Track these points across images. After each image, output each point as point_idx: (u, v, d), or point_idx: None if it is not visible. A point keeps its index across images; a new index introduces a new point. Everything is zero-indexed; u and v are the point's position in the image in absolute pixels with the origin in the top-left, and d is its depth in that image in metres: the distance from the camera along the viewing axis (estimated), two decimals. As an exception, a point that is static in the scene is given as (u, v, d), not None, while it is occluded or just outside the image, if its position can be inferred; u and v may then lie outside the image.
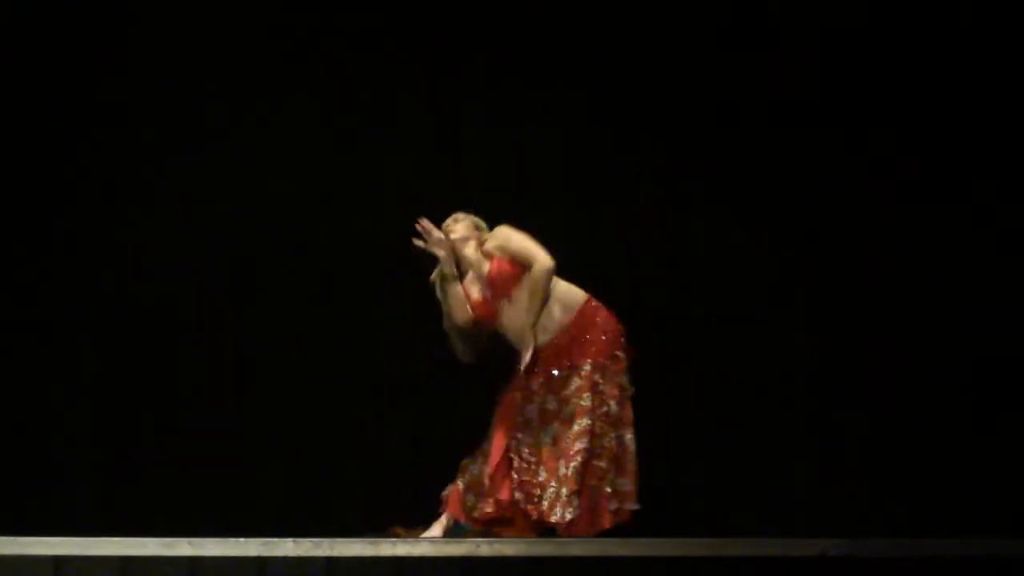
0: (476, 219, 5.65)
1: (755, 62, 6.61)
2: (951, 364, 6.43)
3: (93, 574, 4.39)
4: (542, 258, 5.45)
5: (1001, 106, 6.53)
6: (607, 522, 5.28)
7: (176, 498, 6.22)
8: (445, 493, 5.49)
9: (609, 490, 5.30)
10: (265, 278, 6.55)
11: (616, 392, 5.41)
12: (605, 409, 5.37)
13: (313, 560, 4.45)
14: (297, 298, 6.54)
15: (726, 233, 6.61)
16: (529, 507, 5.32)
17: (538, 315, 5.45)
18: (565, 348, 5.45)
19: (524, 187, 6.55)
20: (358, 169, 6.60)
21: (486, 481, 5.39)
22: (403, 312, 6.25)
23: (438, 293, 5.61)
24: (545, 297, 5.45)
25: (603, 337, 5.46)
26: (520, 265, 5.48)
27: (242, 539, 4.50)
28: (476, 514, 5.39)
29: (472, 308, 5.54)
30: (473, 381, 5.86)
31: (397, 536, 5.25)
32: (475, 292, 5.57)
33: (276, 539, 4.49)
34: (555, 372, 5.44)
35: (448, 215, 5.65)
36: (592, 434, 5.32)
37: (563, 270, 5.58)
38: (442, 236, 5.54)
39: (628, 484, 5.34)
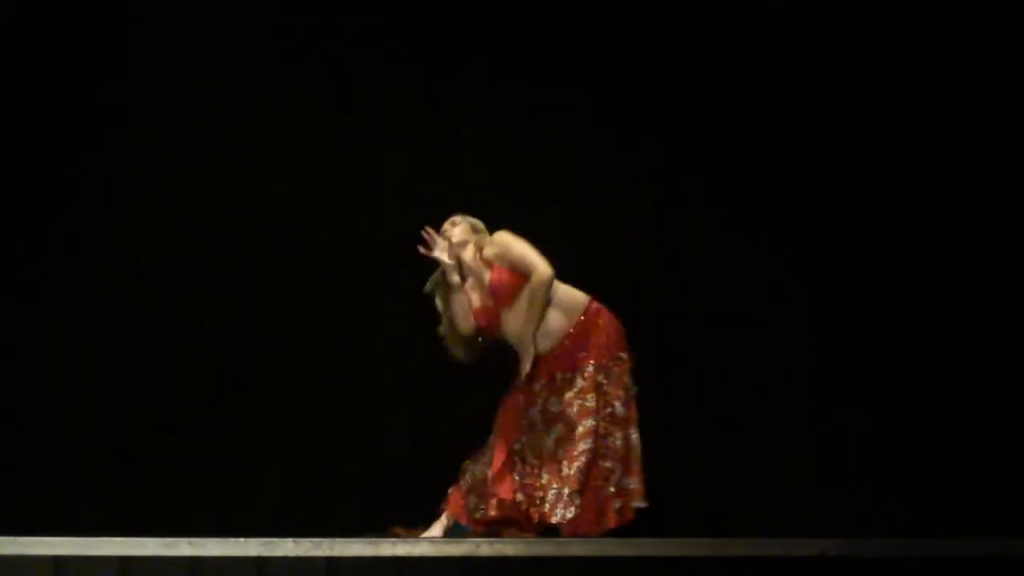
0: (474, 221, 5.65)
1: (755, 62, 6.61)
2: (951, 364, 6.43)
3: (93, 574, 4.39)
4: (541, 268, 5.44)
5: (1001, 106, 6.52)
6: (612, 522, 5.29)
7: (176, 498, 6.22)
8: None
9: (613, 489, 5.30)
10: (265, 278, 6.55)
11: (621, 393, 5.41)
12: (610, 410, 5.37)
13: (313, 560, 4.46)
14: (297, 298, 6.54)
15: (726, 233, 6.60)
16: (531, 509, 5.32)
17: (538, 324, 5.45)
18: (568, 351, 5.45)
19: (524, 187, 6.55)
20: (358, 169, 6.60)
21: (489, 484, 5.40)
22: (403, 312, 6.24)
23: (437, 301, 5.61)
24: (545, 306, 5.45)
25: (606, 339, 5.46)
26: (521, 274, 5.47)
27: (242, 539, 4.50)
28: (478, 515, 5.40)
29: (474, 316, 5.54)
30: (473, 381, 5.87)
31: (397, 536, 5.25)
32: (475, 297, 5.56)
33: (276, 539, 4.50)
34: (558, 375, 5.44)
35: (448, 215, 5.65)
36: (596, 435, 5.32)
37: (563, 270, 5.58)
38: (447, 243, 5.54)
39: (635, 483, 5.35)
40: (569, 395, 5.39)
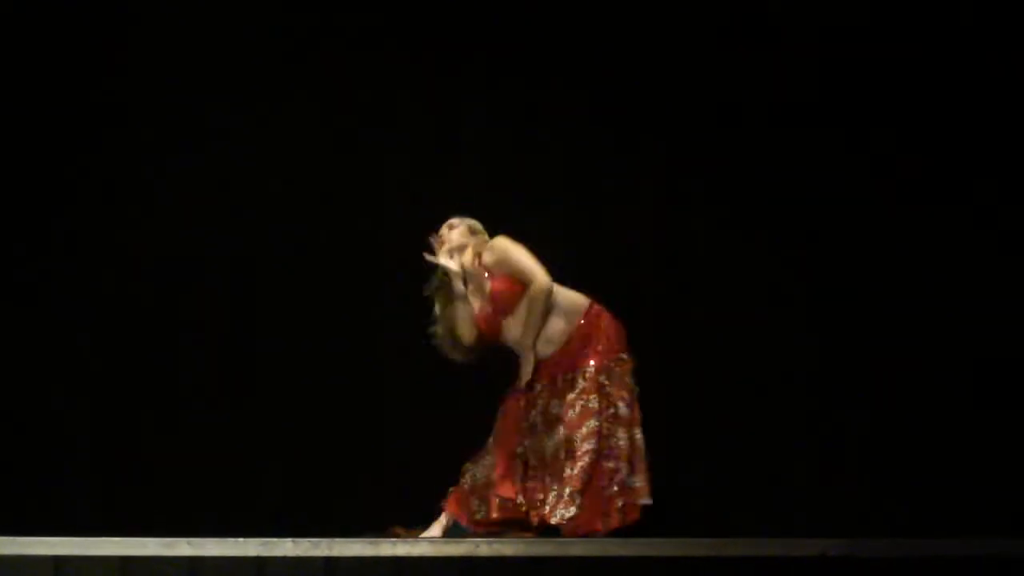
0: (471, 223, 5.63)
1: (755, 62, 6.61)
2: (951, 364, 6.42)
3: (93, 574, 4.38)
4: (539, 278, 5.44)
5: (1001, 106, 6.52)
6: (616, 521, 5.28)
7: (176, 498, 6.22)
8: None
9: (616, 489, 5.30)
10: (265, 278, 6.55)
11: (624, 394, 5.41)
12: (613, 411, 5.37)
13: (312, 560, 4.45)
14: (297, 298, 6.54)
15: (726, 233, 6.60)
16: (531, 512, 5.33)
17: (537, 333, 5.45)
18: (570, 354, 5.45)
19: (524, 187, 6.55)
20: (358, 169, 6.60)
21: (491, 488, 5.40)
22: (403, 312, 6.23)
23: (436, 305, 5.60)
24: (543, 315, 5.44)
25: (607, 340, 5.46)
26: (521, 282, 5.47)
27: (241, 539, 4.50)
28: (479, 517, 5.40)
29: (476, 323, 5.54)
30: (473, 381, 5.86)
31: (396, 536, 5.25)
32: (476, 304, 5.56)
33: (275, 539, 4.50)
34: (559, 377, 5.44)
35: (448, 215, 5.65)
36: (600, 435, 5.32)
37: (563, 270, 5.59)
38: (453, 248, 5.54)
39: (640, 481, 5.35)
40: (571, 396, 5.39)
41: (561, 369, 5.44)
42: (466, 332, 5.55)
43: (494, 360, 5.64)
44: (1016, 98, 6.52)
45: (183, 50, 6.53)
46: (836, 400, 6.48)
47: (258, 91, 6.56)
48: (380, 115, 6.64)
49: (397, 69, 6.65)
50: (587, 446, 5.30)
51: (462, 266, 5.57)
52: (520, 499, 5.36)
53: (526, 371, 5.45)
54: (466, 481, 5.48)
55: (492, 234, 5.63)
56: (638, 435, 5.39)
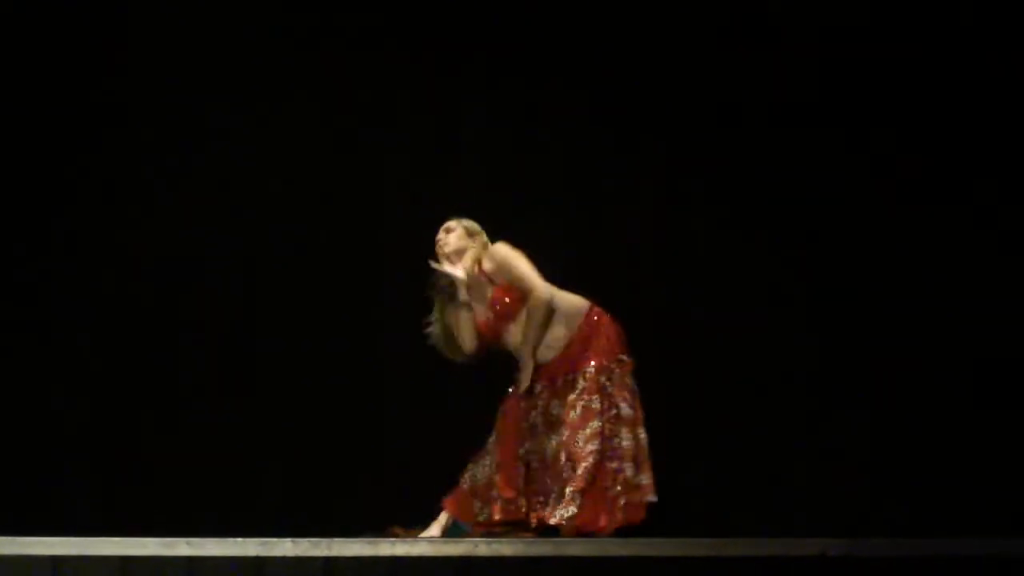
0: (468, 224, 5.61)
1: (755, 62, 6.61)
2: (951, 364, 6.43)
3: (92, 574, 4.38)
4: (538, 291, 5.43)
5: (1001, 106, 6.52)
6: (621, 520, 5.27)
7: (176, 498, 6.22)
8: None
9: (620, 488, 5.30)
10: (265, 278, 6.55)
11: (626, 395, 5.41)
12: (615, 412, 5.37)
13: (311, 560, 4.45)
14: (297, 298, 6.54)
15: (726, 233, 6.60)
16: (532, 514, 5.33)
17: (536, 342, 5.44)
18: (570, 357, 5.45)
19: (524, 187, 6.55)
20: (358, 169, 6.60)
21: (494, 490, 5.40)
22: (403, 312, 6.23)
23: (436, 307, 5.60)
24: (542, 326, 5.44)
25: (606, 341, 5.46)
26: (522, 289, 5.46)
27: (240, 539, 4.49)
28: (482, 519, 5.40)
29: (477, 329, 5.53)
30: (473, 381, 5.86)
31: (395, 536, 5.25)
32: (477, 310, 5.55)
33: (274, 539, 4.49)
34: (559, 378, 5.44)
35: (448, 215, 5.64)
36: (603, 436, 5.32)
37: (563, 270, 5.59)
38: (452, 252, 5.53)
39: (646, 478, 5.35)
40: (571, 397, 5.39)
41: (561, 371, 5.44)
42: (468, 340, 5.55)
43: (494, 360, 5.64)
44: (1016, 98, 6.52)
45: (183, 50, 6.53)
46: (836, 400, 6.48)
47: (258, 91, 6.56)
48: (380, 115, 6.64)
49: (397, 69, 6.65)
50: (591, 447, 5.30)
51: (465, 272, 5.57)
52: (522, 501, 5.37)
53: (525, 377, 5.45)
54: (465, 481, 5.48)
55: (492, 235, 5.62)
56: (642, 434, 5.39)
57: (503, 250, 5.50)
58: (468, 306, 5.54)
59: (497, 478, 5.41)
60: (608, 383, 5.40)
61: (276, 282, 6.53)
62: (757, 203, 6.59)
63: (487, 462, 5.48)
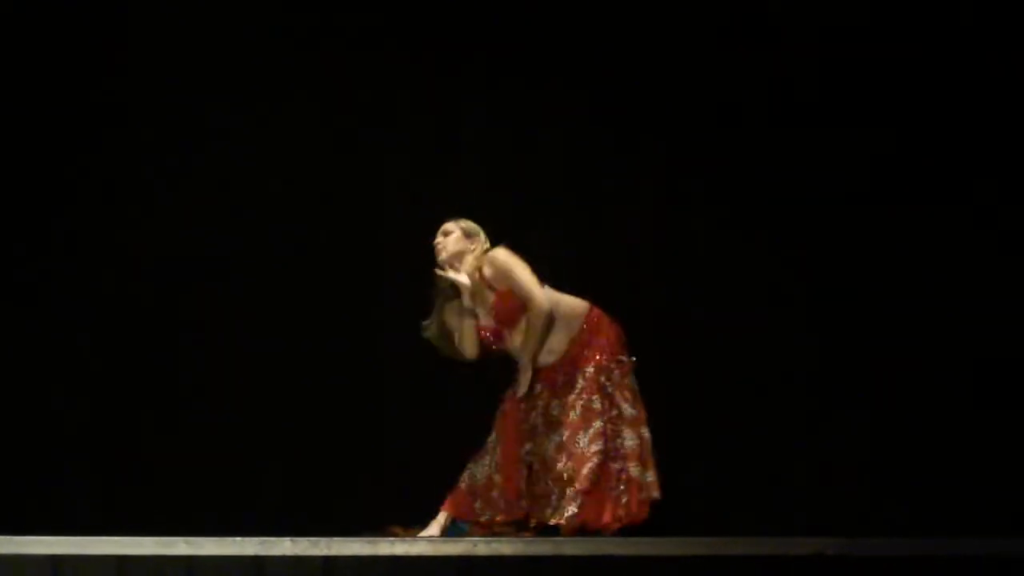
0: (464, 225, 5.58)
1: (755, 62, 6.61)
2: (951, 364, 6.42)
3: (91, 573, 4.38)
4: (537, 302, 5.41)
5: (1001, 106, 6.52)
6: (627, 519, 5.28)
7: (175, 498, 6.22)
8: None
9: (623, 488, 5.30)
10: (265, 278, 6.55)
11: (627, 394, 5.41)
12: (616, 412, 5.37)
13: (311, 559, 4.45)
14: (297, 298, 6.53)
15: (726, 233, 6.60)
16: (533, 515, 5.33)
17: (535, 350, 5.43)
18: (570, 358, 5.45)
19: (524, 187, 6.55)
20: (358, 169, 6.60)
21: (494, 490, 5.40)
22: (403, 312, 6.22)
23: (435, 308, 5.59)
24: (542, 334, 5.43)
25: (606, 341, 5.46)
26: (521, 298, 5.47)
27: (239, 538, 4.49)
28: (484, 520, 5.40)
29: (479, 335, 5.53)
30: (473, 381, 5.86)
31: (395, 535, 5.25)
32: (479, 314, 5.54)
33: (274, 538, 4.49)
34: (559, 378, 5.43)
35: (448, 215, 5.64)
36: (606, 436, 5.32)
37: (563, 271, 5.59)
38: (451, 256, 5.53)
39: (652, 476, 5.36)
40: (571, 397, 5.38)
41: (561, 371, 5.44)
42: (469, 347, 5.54)
43: (494, 360, 5.63)
44: (1016, 98, 6.51)
45: (183, 50, 6.53)
46: (836, 400, 6.48)
47: (258, 91, 6.56)
48: (380, 115, 6.64)
49: (397, 69, 6.65)
50: (595, 448, 5.30)
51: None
52: (524, 502, 5.36)
53: (523, 382, 5.44)
54: (464, 480, 5.48)
55: (492, 235, 5.61)
56: (646, 434, 5.40)
57: (503, 257, 5.48)
58: (471, 313, 5.52)
59: (498, 479, 5.41)
60: (608, 383, 5.40)
61: (276, 282, 6.53)
62: (757, 203, 6.59)
63: (486, 461, 5.47)
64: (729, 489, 6.37)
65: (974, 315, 6.42)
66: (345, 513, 5.89)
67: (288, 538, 4.48)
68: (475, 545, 4.65)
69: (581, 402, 5.36)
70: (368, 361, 6.54)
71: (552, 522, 5.24)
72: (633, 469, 5.32)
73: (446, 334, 5.58)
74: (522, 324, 5.45)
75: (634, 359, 5.48)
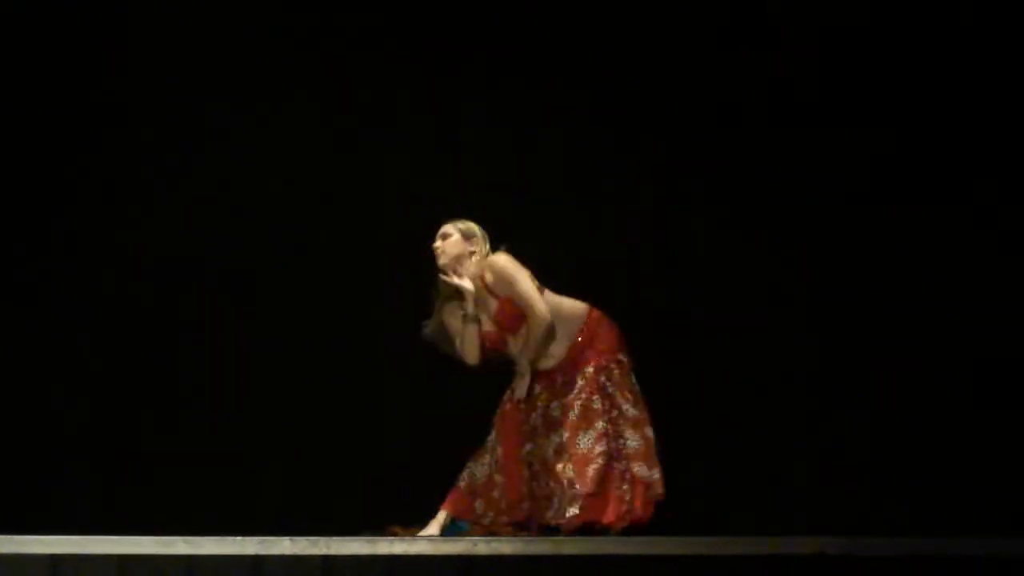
0: (463, 227, 5.55)
1: (755, 62, 6.61)
2: (951, 364, 6.42)
3: (91, 573, 4.38)
4: (537, 313, 5.39)
5: (1001, 106, 6.51)
6: (631, 518, 5.28)
7: (174, 497, 6.22)
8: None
9: (627, 487, 5.30)
10: (265, 278, 6.55)
11: (628, 394, 5.42)
12: (617, 412, 5.37)
13: (310, 559, 4.45)
14: (297, 298, 6.54)
15: (726, 233, 6.60)
16: (534, 515, 5.34)
17: (535, 357, 5.43)
18: (570, 360, 5.44)
19: (524, 187, 6.55)
20: (358, 169, 6.60)
21: (495, 490, 5.40)
22: (403, 312, 6.22)
23: (436, 309, 5.59)
24: (543, 343, 5.42)
25: (605, 342, 5.45)
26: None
27: (239, 538, 4.49)
28: (486, 521, 5.40)
29: (481, 341, 5.52)
30: (473, 381, 5.85)
31: (394, 535, 5.25)
32: (481, 319, 5.54)
33: (273, 538, 4.49)
34: (559, 379, 5.43)
35: (448, 216, 5.63)
36: (608, 436, 5.32)
37: (563, 271, 5.59)
38: (451, 259, 5.52)
39: (657, 474, 5.36)
40: (570, 398, 5.38)
41: (561, 372, 5.44)
42: (471, 353, 5.53)
43: (493, 359, 5.62)
44: (1016, 98, 6.51)
45: (183, 50, 6.53)
46: (836, 400, 6.48)
47: (258, 91, 6.56)
48: (380, 115, 6.64)
49: (397, 69, 6.65)
50: (599, 448, 5.30)
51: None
52: (526, 503, 5.36)
53: (522, 387, 5.44)
54: (464, 479, 5.47)
55: (493, 235, 5.60)
56: (650, 433, 5.40)
57: (503, 264, 5.46)
58: (475, 319, 5.51)
59: (499, 479, 5.41)
60: (608, 383, 5.40)
61: (276, 282, 6.53)
62: (757, 203, 6.59)
63: (486, 461, 5.47)
64: (729, 489, 6.37)
65: (974, 315, 6.42)
66: (345, 513, 5.89)
67: (287, 538, 4.48)
68: (475, 545, 4.65)
69: (580, 402, 5.36)
70: (368, 361, 6.54)
71: (553, 523, 5.24)
72: (638, 469, 5.32)
73: (443, 332, 5.57)
74: (523, 331, 5.44)
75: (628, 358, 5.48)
